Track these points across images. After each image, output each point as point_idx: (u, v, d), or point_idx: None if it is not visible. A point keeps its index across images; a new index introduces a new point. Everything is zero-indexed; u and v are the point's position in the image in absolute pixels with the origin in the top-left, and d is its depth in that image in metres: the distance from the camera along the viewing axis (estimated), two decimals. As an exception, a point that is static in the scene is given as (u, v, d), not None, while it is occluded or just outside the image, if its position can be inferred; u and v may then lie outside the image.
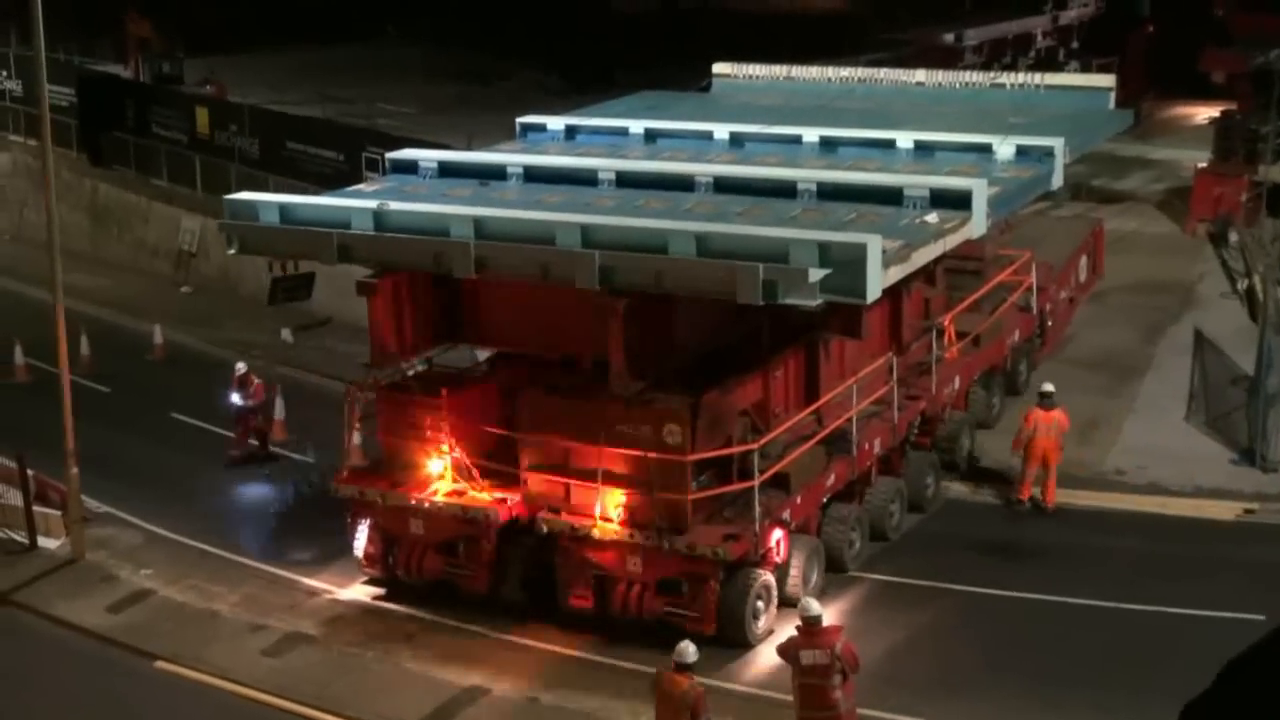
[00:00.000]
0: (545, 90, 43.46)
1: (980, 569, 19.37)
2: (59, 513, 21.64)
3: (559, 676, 17.28)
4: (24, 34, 38.47)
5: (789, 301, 15.46)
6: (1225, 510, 21.10)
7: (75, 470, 21.03)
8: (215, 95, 42.37)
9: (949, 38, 39.46)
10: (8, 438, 23.14)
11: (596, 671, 17.32)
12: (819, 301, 15.60)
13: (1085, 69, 39.30)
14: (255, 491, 23.08)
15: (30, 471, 21.57)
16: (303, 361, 28.49)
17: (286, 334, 30.14)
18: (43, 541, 21.56)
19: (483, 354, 21.42)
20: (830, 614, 18.36)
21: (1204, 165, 32.80)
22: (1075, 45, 42.79)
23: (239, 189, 34.39)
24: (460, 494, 18.65)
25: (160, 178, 38.73)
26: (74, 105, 41.43)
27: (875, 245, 15.82)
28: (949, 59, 38.23)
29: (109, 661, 18.50)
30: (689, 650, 14.69)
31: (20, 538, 21.66)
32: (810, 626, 14.85)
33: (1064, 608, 18.39)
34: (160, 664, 18.24)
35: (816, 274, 15.31)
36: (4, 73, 44.74)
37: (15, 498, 21.86)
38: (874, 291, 15.94)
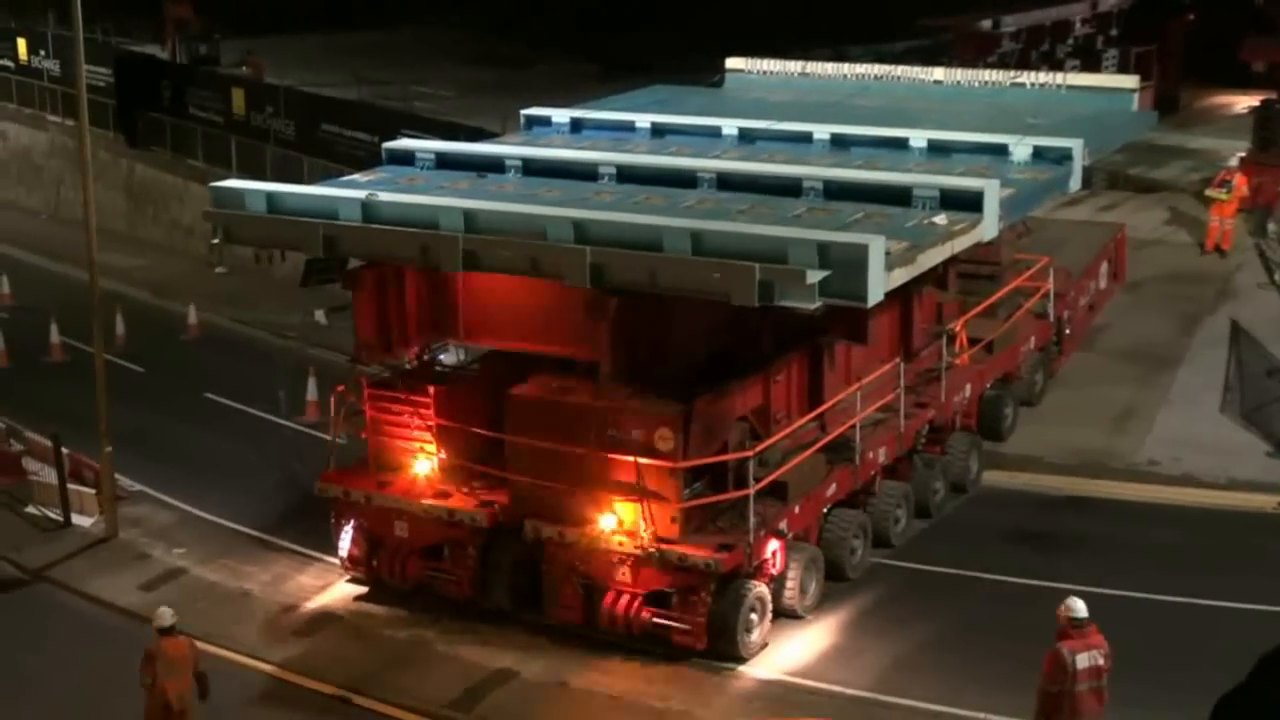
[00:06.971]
0: (583, 76, 43.36)
1: (1012, 559, 19.27)
2: (93, 491, 21.81)
3: (588, 660, 17.24)
4: (62, 14, 38.76)
5: (786, 304, 14.83)
6: (1260, 502, 20.94)
7: (109, 449, 21.18)
8: (253, 73, 42.50)
9: (987, 24, 39.20)
10: (43, 416, 23.30)
11: (626, 656, 17.27)
12: (817, 304, 14.91)
13: (1124, 57, 39.03)
14: (288, 471, 23.12)
15: (65, 450, 21.75)
16: (336, 343, 28.53)
17: (320, 315, 30.19)
18: (77, 519, 21.72)
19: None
20: (859, 603, 18.37)
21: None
22: (1114, 33, 42.46)
23: (274, 170, 34.71)
24: (446, 496, 18.27)
25: (196, 158, 38.92)
26: (111, 86, 41.66)
27: (878, 247, 15.11)
28: (987, 45, 38.05)
29: (141, 639, 18.56)
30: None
31: (55, 515, 21.82)
32: (1079, 628, 13.97)
33: (1097, 598, 18.05)
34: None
35: (815, 275, 14.64)
36: (42, 53, 45.01)
37: (50, 475, 22.07)
38: (875, 295, 15.19)
